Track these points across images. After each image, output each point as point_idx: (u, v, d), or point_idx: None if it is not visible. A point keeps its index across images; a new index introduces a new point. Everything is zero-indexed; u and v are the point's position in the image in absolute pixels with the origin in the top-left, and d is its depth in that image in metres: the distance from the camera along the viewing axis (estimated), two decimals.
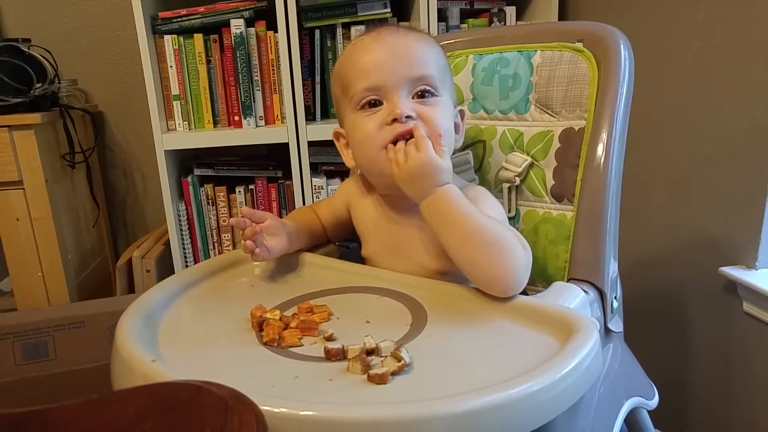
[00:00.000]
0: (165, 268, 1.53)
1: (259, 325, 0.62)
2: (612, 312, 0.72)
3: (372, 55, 0.72)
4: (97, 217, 1.65)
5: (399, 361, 0.53)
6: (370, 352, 0.56)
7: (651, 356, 0.90)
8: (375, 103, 0.72)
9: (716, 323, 1.15)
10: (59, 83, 1.46)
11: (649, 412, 0.86)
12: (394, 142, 0.69)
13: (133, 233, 1.82)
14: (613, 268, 0.73)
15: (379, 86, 0.71)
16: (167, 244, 1.53)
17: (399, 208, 0.76)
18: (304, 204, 1.50)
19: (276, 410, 0.42)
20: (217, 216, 1.55)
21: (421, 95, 0.72)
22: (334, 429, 0.42)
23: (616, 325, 0.74)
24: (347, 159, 0.80)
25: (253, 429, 0.34)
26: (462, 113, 0.79)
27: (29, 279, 1.40)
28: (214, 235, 1.56)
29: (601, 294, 0.71)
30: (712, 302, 1.15)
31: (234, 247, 1.57)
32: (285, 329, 0.61)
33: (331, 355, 0.56)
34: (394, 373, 0.52)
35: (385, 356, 0.55)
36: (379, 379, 0.51)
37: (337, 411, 0.43)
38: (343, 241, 0.88)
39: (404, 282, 0.71)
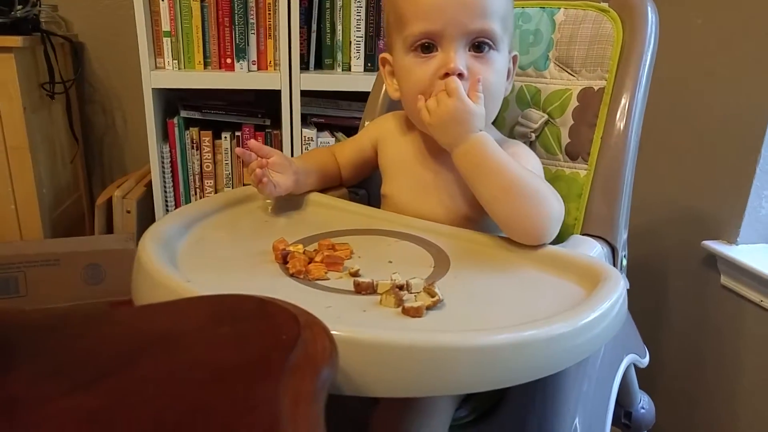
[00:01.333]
0: (145, 210, 1.49)
1: (283, 258, 0.61)
2: (621, 269, 0.74)
3: None
4: (75, 152, 1.58)
5: (433, 296, 0.54)
6: (400, 287, 0.56)
7: None
8: (429, 47, 0.69)
9: (694, 294, 1.19)
10: (40, 7, 1.38)
11: None
12: None
13: (110, 173, 1.75)
14: (624, 228, 0.75)
15: (436, 32, 0.68)
16: (148, 185, 1.49)
17: (436, 148, 0.74)
18: (292, 154, 1.47)
19: (335, 333, 0.41)
20: (201, 161, 1.51)
21: (478, 47, 0.69)
22: (393, 352, 0.43)
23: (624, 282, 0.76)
24: (391, 89, 0.78)
25: (326, 343, 0.34)
26: (515, 59, 0.77)
27: (2, 212, 1.34)
28: (197, 180, 1.52)
29: (613, 251, 0.73)
30: (691, 275, 1.19)
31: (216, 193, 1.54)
32: (309, 263, 0.60)
33: (361, 289, 0.56)
34: (428, 308, 0.53)
35: (417, 292, 0.55)
36: (415, 312, 0.52)
37: (392, 336, 0.43)
38: (353, 187, 0.87)
39: (421, 227, 0.71)
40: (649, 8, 0.77)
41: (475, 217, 0.72)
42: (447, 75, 0.68)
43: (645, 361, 0.84)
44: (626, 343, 0.80)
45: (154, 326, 0.31)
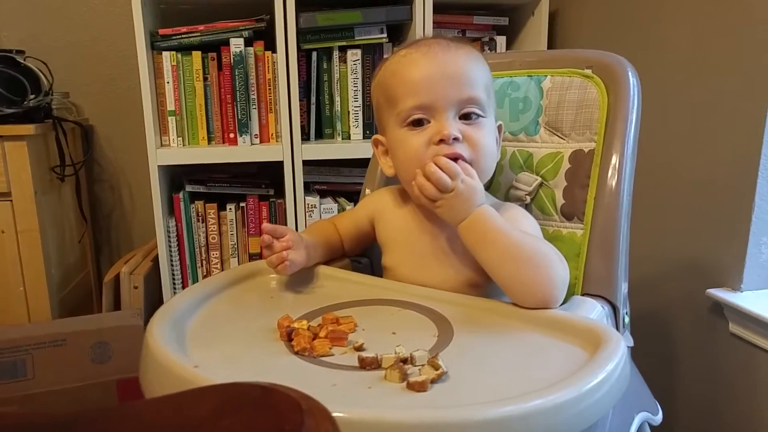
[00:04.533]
0: (153, 285, 1.50)
1: (288, 335, 0.62)
2: (623, 327, 0.75)
3: (422, 73, 0.72)
4: (84, 231, 1.61)
5: (437, 369, 0.54)
6: (404, 361, 0.56)
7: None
8: (421, 121, 0.73)
9: (703, 344, 1.18)
10: (52, 96, 1.44)
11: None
12: None
13: (117, 249, 1.78)
14: (624, 285, 0.76)
15: (427, 105, 0.72)
16: (155, 260, 1.51)
17: (434, 218, 0.77)
18: (296, 222, 1.50)
19: (339, 415, 0.42)
20: (207, 233, 1.54)
21: (467, 116, 0.73)
22: (398, 431, 0.43)
23: (627, 340, 0.76)
24: (385, 167, 0.81)
25: (329, 428, 0.34)
26: (500, 128, 0.80)
27: (10, 294, 1.35)
28: (203, 252, 1.54)
29: (614, 309, 0.73)
30: (699, 324, 1.19)
31: (222, 266, 1.56)
32: (314, 339, 0.61)
33: (365, 364, 0.56)
34: (432, 381, 0.53)
35: (421, 365, 0.56)
36: (420, 387, 0.52)
37: (395, 415, 0.44)
38: (356, 256, 0.89)
39: (424, 295, 0.72)
40: (629, 73, 0.80)
41: (478, 281, 0.74)
42: (441, 141, 0.71)
43: (658, 419, 0.83)
44: (636, 402, 0.79)
45: (160, 422, 0.32)
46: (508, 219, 0.69)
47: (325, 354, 0.59)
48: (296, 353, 0.59)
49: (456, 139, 0.71)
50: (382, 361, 0.56)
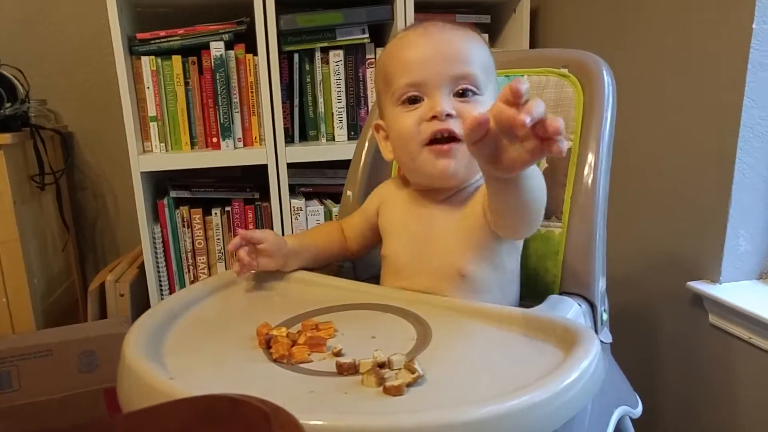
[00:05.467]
0: (139, 292, 1.49)
1: (267, 343, 0.62)
2: (601, 324, 0.75)
3: (416, 51, 0.72)
4: (67, 240, 1.60)
5: (413, 373, 0.54)
6: (382, 365, 0.57)
7: (621, 368, 0.94)
8: (416, 99, 0.73)
9: (684, 336, 1.20)
10: (29, 103, 1.42)
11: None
12: (433, 141, 0.71)
13: (103, 257, 1.77)
14: (602, 283, 0.76)
15: (420, 82, 0.72)
16: (141, 267, 1.50)
17: (431, 202, 0.77)
18: (282, 225, 1.50)
19: (312, 422, 0.42)
20: (193, 239, 1.53)
21: (463, 93, 0.72)
22: None
23: (605, 336, 0.77)
24: (385, 151, 0.81)
25: None
26: None
27: None
28: (189, 258, 1.54)
29: (592, 307, 0.74)
30: (679, 316, 1.20)
31: (209, 271, 1.56)
32: (293, 346, 0.61)
33: (343, 370, 0.57)
34: (408, 385, 0.53)
35: (398, 369, 0.56)
36: (396, 391, 0.52)
37: (368, 420, 0.44)
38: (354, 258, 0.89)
39: (404, 298, 0.73)
40: (604, 71, 0.81)
41: (468, 272, 0.73)
42: (434, 118, 0.71)
43: (637, 411, 0.84)
44: (614, 396, 0.80)
45: None
46: None
47: (303, 360, 0.60)
48: (275, 361, 0.59)
49: (449, 115, 0.70)
50: (359, 366, 0.56)
